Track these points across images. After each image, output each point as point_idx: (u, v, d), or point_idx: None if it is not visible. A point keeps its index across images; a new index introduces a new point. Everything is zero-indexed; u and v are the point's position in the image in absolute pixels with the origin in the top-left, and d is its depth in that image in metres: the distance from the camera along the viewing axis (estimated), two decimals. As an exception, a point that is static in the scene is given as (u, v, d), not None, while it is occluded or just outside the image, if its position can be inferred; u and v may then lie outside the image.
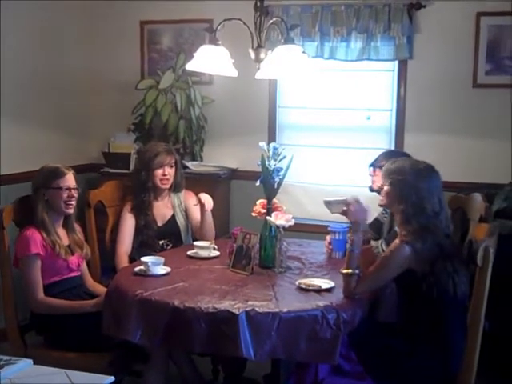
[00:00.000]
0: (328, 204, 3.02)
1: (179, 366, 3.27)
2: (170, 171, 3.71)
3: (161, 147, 3.77)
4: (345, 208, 2.97)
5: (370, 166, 3.53)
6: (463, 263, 2.64)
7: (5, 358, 1.98)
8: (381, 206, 3.02)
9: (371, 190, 3.49)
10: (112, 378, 1.90)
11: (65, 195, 3.12)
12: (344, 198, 3.03)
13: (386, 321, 2.80)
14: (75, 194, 3.16)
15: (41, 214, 3.08)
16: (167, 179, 3.71)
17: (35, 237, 3.04)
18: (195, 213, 3.74)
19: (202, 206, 3.59)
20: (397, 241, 2.64)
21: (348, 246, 2.73)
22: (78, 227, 3.31)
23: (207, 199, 3.60)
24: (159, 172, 3.68)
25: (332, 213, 3.06)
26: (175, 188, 3.80)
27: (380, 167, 3.34)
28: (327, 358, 2.49)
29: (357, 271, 2.66)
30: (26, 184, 3.26)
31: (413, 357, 2.60)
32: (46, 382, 1.83)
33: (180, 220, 3.79)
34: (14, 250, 3.09)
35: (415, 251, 2.57)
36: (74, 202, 3.16)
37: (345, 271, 2.68)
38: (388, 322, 2.80)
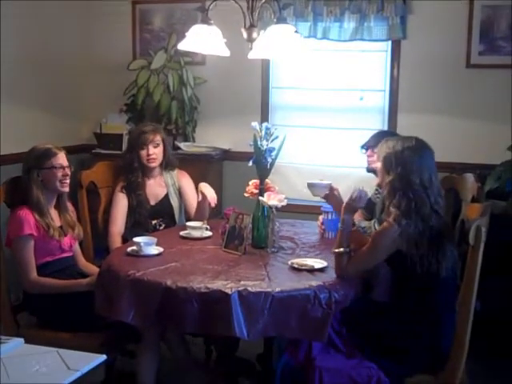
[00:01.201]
0: (311, 186, 3.03)
1: (171, 347, 3.28)
2: (154, 150, 3.68)
3: (146, 127, 3.76)
4: (327, 192, 2.99)
5: (363, 147, 3.52)
6: (452, 242, 2.65)
7: (-4, 337, 1.98)
8: (378, 185, 3.03)
9: (368, 170, 3.49)
10: (104, 357, 1.90)
11: (59, 174, 3.11)
12: (329, 182, 3.04)
13: (381, 300, 2.81)
14: (69, 172, 3.16)
15: (36, 195, 3.07)
16: (153, 158, 3.68)
17: (28, 217, 3.03)
18: (190, 196, 3.74)
19: (205, 198, 3.56)
20: (385, 222, 2.63)
21: (339, 225, 2.74)
22: (70, 207, 3.30)
23: (211, 194, 3.56)
24: (144, 152, 3.66)
25: (314, 195, 3.08)
26: (166, 166, 3.79)
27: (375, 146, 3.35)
28: (317, 336, 2.51)
29: (347, 249, 2.67)
30: (18, 165, 3.23)
31: (404, 336, 2.61)
32: (37, 361, 1.83)
33: (173, 199, 3.78)
34: (7, 230, 3.08)
35: (403, 230, 2.56)
36: (68, 180, 3.16)
37: (337, 250, 2.69)
38: (382, 301, 2.81)
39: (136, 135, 3.73)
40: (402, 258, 2.59)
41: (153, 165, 3.71)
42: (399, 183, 2.64)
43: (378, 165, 2.78)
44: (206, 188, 3.57)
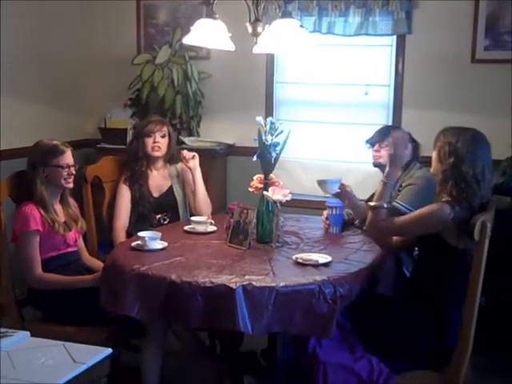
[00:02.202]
0: (322, 183, 3.00)
1: (180, 337, 3.28)
2: (160, 140, 3.71)
3: (153, 118, 3.85)
4: (338, 190, 2.97)
5: (368, 142, 3.52)
6: None
7: (2, 330, 1.98)
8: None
9: (375, 165, 3.49)
10: (110, 350, 1.90)
11: (64, 173, 3.12)
12: (339, 177, 3.02)
13: (384, 293, 2.81)
14: (74, 171, 3.17)
15: (40, 191, 3.08)
16: (158, 147, 3.70)
17: (34, 213, 3.04)
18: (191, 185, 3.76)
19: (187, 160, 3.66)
20: (436, 203, 2.64)
21: (383, 177, 2.76)
22: (72, 201, 3.31)
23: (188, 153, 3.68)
24: (150, 140, 3.69)
25: (325, 193, 3.07)
26: (170, 160, 3.80)
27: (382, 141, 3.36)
28: (322, 332, 2.50)
29: (385, 205, 2.68)
30: (23, 160, 3.24)
31: (406, 330, 2.62)
32: (43, 354, 1.84)
33: (177, 191, 3.78)
34: (13, 226, 3.09)
35: (456, 215, 2.58)
36: (72, 178, 3.17)
37: (374, 203, 2.72)
38: (385, 295, 2.81)
39: (143, 124, 3.79)
40: (443, 244, 2.61)
41: (157, 153, 3.71)
42: (451, 173, 2.65)
43: (433, 153, 2.78)
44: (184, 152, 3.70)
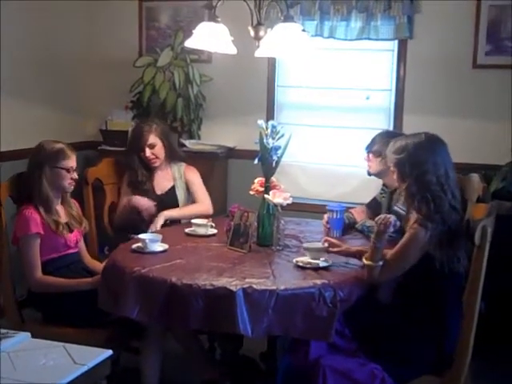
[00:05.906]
0: (307, 250, 2.93)
1: (181, 341, 3.27)
2: (151, 151, 3.68)
3: (142, 128, 3.75)
4: (326, 254, 2.90)
5: (366, 149, 3.52)
6: (465, 239, 2.65)
7: (2, 331, 1.98)
8: (384, 185, 3.03)
9: (369, 174, 3.48)
10: (110, 352, 1.91)
11: (69, 176, 3.14)
12: (325, 245, 2.92)
13: (384, 301, 2.80)
14: (76, 175, 3.19)
15: (45, 191, 3.08)
16: (152, 159, 3.70)
17: (35, 216, 3.04)
18: (198, 189, 3.79)
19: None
20: (411, 229, 2.59)
21: (372, 239, 2.66)
22: (73, 201, 3.31)
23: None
24: (142, 154, 3.69)
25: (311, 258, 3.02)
26: (172, 159, 3.80)
27: (373, 152, 3.34)
28: (322, 335, 2.50)
29: (380, 263, 2.61)
30: (23, 161, 3.23)
31: (407, 336, 2.61)
32: (43, 355, 1.84)
33: (180, 192, 3.78)
34: (14, 228, 3.09)
35: (432, 233, 2.55)
36: (74, 182, 3.20)
37: (367, 262, 2.63)
38: (384, 302, 2.80)
39: (132, 138, 3.81)
40: (429, 260, 2.58)
41: (155, 165, 3.73)
42: (416, 187, 2.61)
43: (392, 171, 2.75)
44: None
